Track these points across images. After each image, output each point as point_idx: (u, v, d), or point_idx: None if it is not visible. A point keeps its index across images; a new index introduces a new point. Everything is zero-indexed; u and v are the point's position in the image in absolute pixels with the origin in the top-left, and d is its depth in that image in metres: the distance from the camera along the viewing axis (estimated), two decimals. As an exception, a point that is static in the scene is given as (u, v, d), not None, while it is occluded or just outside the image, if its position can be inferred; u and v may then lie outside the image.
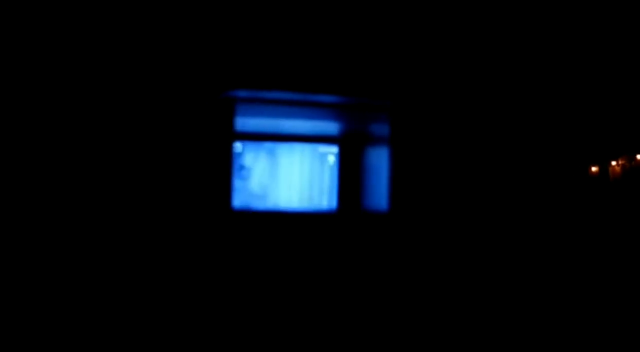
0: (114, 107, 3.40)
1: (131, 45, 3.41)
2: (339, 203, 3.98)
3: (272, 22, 3.58)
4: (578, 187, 4.31)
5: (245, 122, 3.79)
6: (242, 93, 3.59)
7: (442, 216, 3.84)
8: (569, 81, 4.08)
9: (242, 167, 3.92)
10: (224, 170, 3.58)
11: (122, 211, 3.38)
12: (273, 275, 3.61)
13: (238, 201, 3.83)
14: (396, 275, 3.78)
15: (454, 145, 3.87)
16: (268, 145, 3.97)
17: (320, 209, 4.00)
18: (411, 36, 3.79)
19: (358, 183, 4.02)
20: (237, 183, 3.85)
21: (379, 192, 3.87)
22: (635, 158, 4.40)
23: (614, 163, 4.59)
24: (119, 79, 3.40)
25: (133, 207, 3.40)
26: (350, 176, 4.02)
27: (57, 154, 3.32)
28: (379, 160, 3.88)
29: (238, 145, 3.86)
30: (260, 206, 3.91)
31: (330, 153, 4.03)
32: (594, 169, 4.80)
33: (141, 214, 3.40)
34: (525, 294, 3.91)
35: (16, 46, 3.25)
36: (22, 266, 3.25)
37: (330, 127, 3.99)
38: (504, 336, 3.74)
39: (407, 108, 3.81)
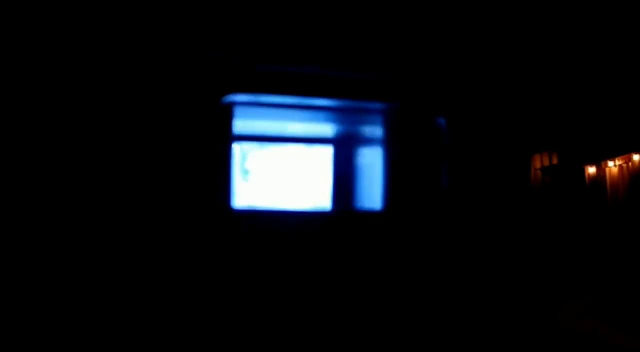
0: (118, 112, 3.53)
1: (132, 54, 3.55)
2: (334, 203, 4.07)
3: (270, 28, 3.69)
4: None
5: (244, 125, 3.90)
6: (241, 97, 3.71)
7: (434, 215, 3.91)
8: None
9: (241, 169, 4.03)
10: (223, 172, 3.69)
11: (124, 214, 3.49)
12: (272, 273, 3.68)
13: (238, 201, 3.94)
14: (390, 273, 3.85)
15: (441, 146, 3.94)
16: (267, 146, 4.08)
17: (317, 209, 4.09)
18: (404, 40, 3.86)
19: (353, 183, 4.11)
20: (236, 184, 3.95)
21: (373, 193, 3.95)
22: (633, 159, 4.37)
23: (611, 164, 4.55)
24: (123, 86, 3.54)
25: (134, 210, 3.50)
26: (345, 176, 4.10)
27: (59, 157, 3.43)
28: (374, 161, 3.97)
29: (238, 148, 3.97)
30: (260, 206, 4.02)
31: (326, 154, 4.12)
32: (591, 170, 4.76)
33: (143, 217, 3.50)
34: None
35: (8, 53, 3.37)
36: (17, 267, 3.33)
37: (325, 128, 4.08)
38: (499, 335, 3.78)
39: (402, 110, 3.89)
